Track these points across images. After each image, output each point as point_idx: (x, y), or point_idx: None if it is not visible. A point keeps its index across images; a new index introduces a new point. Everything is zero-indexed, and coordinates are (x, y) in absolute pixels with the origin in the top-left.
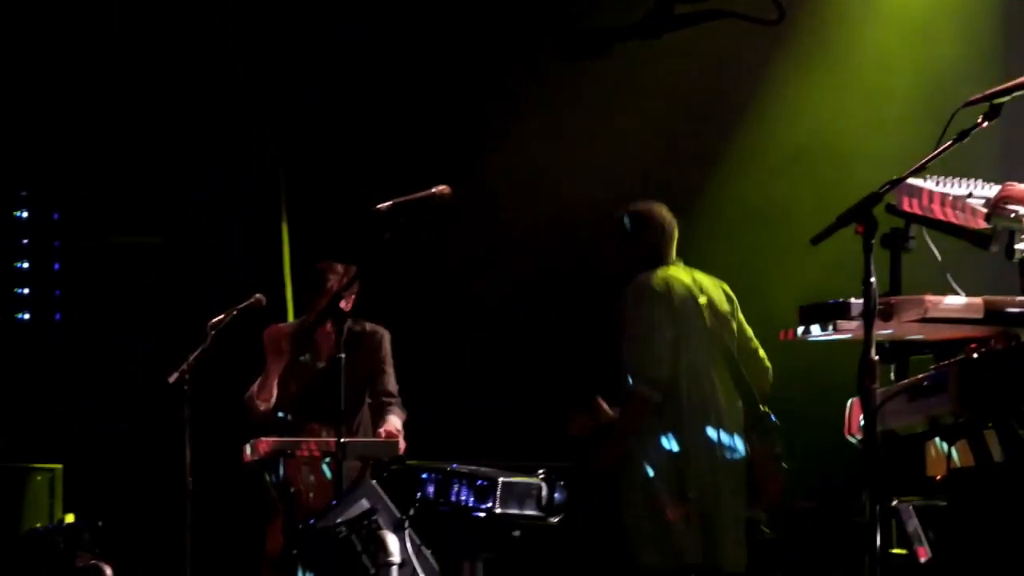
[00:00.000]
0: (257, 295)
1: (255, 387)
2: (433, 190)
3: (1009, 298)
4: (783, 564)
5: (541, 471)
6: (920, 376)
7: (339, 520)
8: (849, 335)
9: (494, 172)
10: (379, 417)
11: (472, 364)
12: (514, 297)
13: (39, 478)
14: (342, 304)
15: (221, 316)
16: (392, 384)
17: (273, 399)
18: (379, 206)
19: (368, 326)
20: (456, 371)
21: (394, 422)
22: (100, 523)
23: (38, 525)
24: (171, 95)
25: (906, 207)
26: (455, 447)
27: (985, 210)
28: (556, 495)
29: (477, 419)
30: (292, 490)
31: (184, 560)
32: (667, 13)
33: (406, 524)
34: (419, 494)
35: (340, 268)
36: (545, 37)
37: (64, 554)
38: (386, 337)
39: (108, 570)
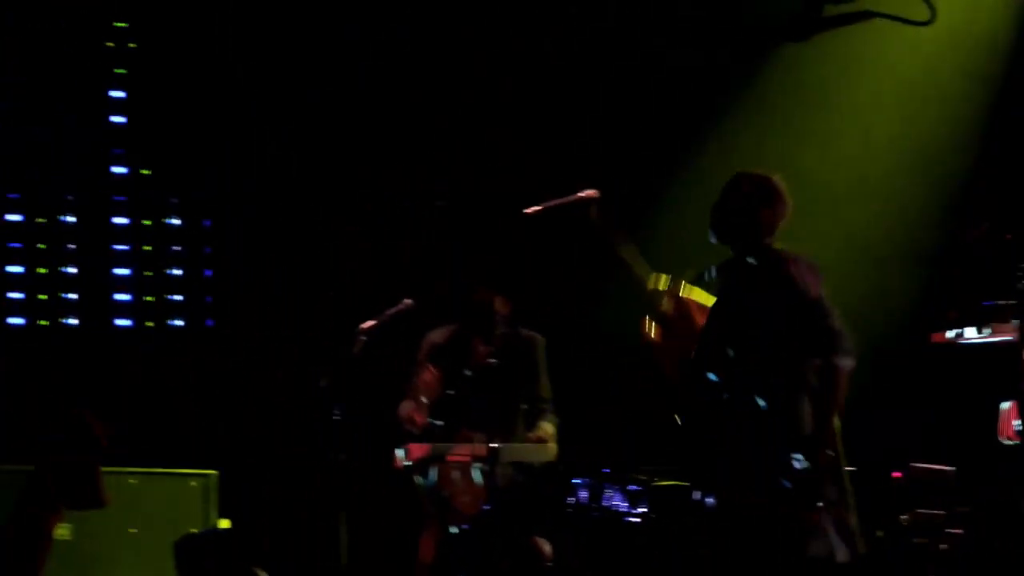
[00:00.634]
0: (407, 300)
1: (406, 406)
2: (581, 194)
3: None
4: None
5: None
6: None
7: (490, 526)
8: (1006, 337)
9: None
10: (532, 423)
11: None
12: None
13: (194, 484)
14: (500, 307)
15: (372, 321)
16: (546, 390)
17: (423, 420)
18: (528, 210)
19: (522, 332)
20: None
21: (546, 428)
22: (255, 529)
23: (193, 531)
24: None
25: None
26: (609, 455)
27: None
28: (708, 500)
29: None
30: (444, 495)
31: (338, 565)
32: (816, 15)
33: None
34: (571, 499)
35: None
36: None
37: (219, 560)
38: (540, 343)
39: None
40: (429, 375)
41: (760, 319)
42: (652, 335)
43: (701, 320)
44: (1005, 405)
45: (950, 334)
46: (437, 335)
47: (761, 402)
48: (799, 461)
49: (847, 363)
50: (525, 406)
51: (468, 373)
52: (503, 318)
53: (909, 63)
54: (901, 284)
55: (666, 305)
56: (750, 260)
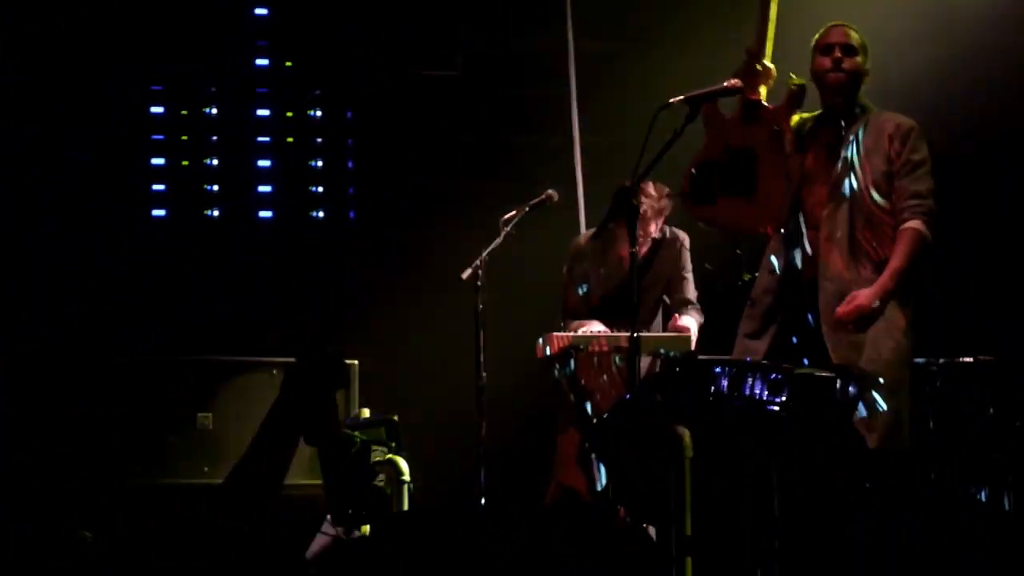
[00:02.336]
0: (549, 191)
1: (569, 323)
2: (725, 84)
3: None
4: None
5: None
6: None
7: (633, 416)
8: None
9: None
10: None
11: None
12: None
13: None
14: (651, 213)
15: (513, 212)
16: (691, 290)
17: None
18: (671, 100)
19: (668, 231)
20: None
21: (687, 320)
22: (395, 418)
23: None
24: None
25: None
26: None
27: None
28: (851, 389)
29: None
30: (584, 385)
31: (478, 455)
32: None
33: None
34: (712, 388)
35: (652, 191)
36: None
37: (360, 449)
38: (686, 241)
39: (404, 465)
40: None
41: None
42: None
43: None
44: None
45: None
46: (583, 239)
47: None
48: None
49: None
50: (668, 302)
51: (611, 272)
52: (651, 216)
53: None
54: None
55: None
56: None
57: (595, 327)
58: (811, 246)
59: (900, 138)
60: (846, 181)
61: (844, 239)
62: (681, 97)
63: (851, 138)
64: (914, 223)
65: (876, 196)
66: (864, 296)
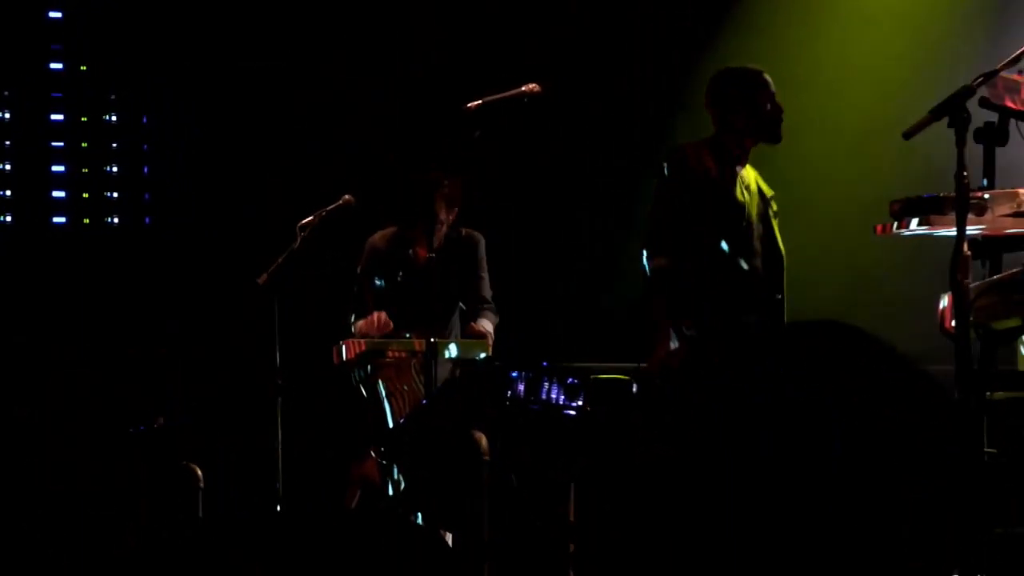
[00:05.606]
0: (347, 196)
1: (357, 322)
2: (523, 88)
3: None
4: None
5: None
6: (1015, 271)
7: (430, 421)
8: (944, 230)
9: None
10: (471, 321)
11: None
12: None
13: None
14: (445, 215)
15: (311, 217)
16: (486, 289)
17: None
18: (468, 104)
19: (464, 231)
20: (549, 274)
21: (484, 324)
22: (191, 424)
23: (130, 428)
24: None
25: (1002, 101)
26: (546, 350)
27: None
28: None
29: (571, 322)
30: (381, 391)
31: (274, 462)
32: None
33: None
34: (509, 392)
35: (438, 175)
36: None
37: (155, 456)
38: (481, 242)
39: (198, 472)
40: (377, 321)
41: None
42: None
43: None
44: (943, 300)
45: (893, 225)
46: (378, 238)
47: None
48: None
49: None
50: (464, 306)
51: (407, 274)
52: (445, 218)
53: None
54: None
55: None
56: None
57: (381, 317)
58: None
59: None
60: None
61: None
62: (479, 102)
63: None
64: None
65: None
66: None
